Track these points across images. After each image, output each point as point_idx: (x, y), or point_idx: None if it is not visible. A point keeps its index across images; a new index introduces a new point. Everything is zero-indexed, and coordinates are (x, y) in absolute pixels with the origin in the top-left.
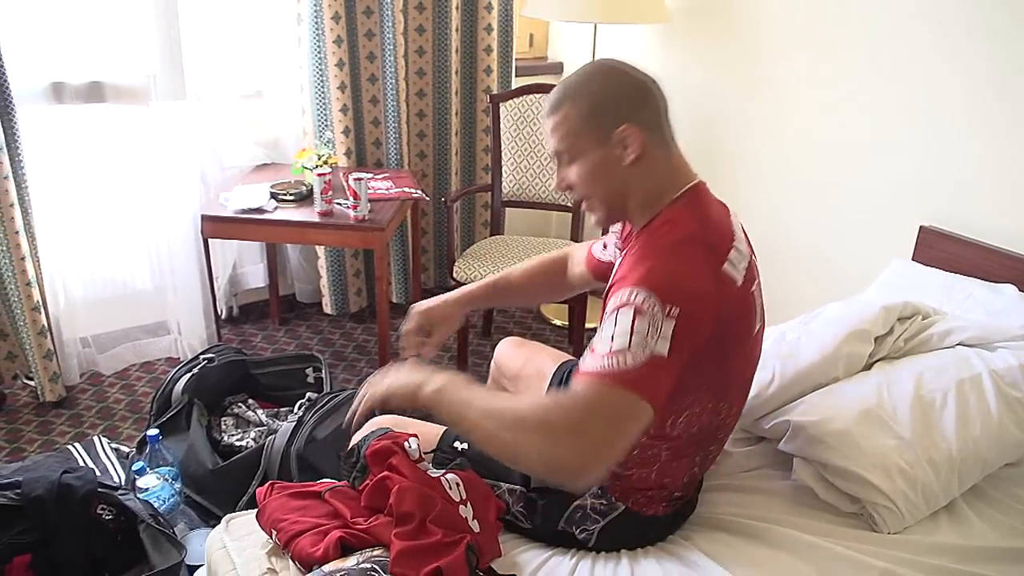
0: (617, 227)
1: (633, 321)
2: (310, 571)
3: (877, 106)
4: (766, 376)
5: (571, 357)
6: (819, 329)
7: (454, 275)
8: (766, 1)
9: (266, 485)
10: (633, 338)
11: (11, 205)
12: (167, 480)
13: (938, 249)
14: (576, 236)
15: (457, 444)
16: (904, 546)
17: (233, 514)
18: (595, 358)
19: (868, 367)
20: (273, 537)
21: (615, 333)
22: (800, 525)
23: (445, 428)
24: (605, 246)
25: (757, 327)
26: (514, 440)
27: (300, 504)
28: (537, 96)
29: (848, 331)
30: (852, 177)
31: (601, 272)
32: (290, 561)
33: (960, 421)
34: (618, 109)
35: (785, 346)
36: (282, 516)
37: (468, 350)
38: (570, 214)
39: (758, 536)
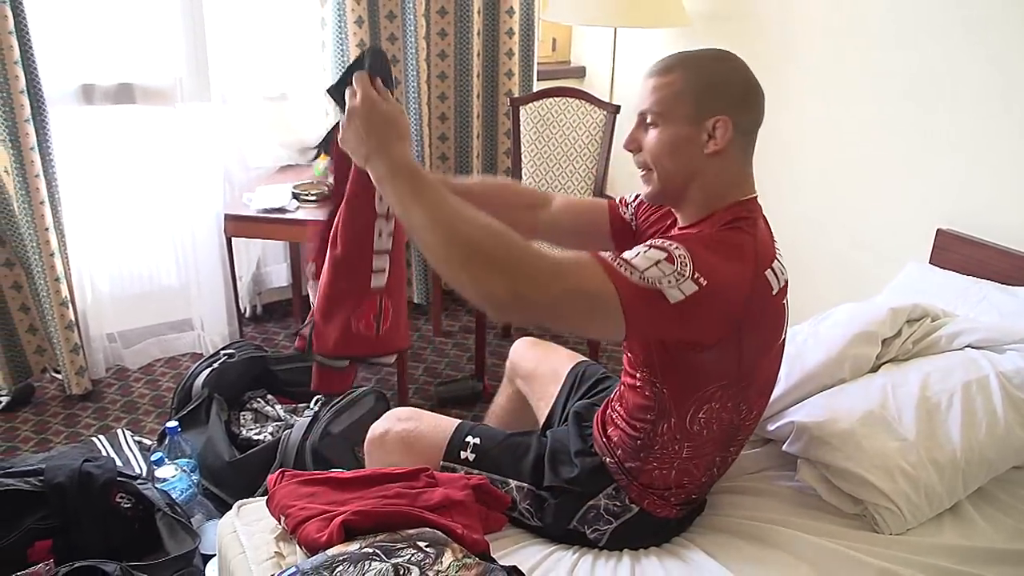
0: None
1: (660, 260)
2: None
3: (897, 110)
4: None
5: (585, 358)
6: (826, 331)
7: None
8: (786, 5)
9: (276, 473)
10: (650, 270)
11: (41, 203)
12: (185, 471)
13: (955, 252)
14: None
15: (469, 439)
16: (906, 546)
17: (244, 500)
18: (610, 253)
19: (875, 369)
20: (281, 522)
21: (640, 254)
22: (803, 526)
23: (456, 427)
24: (625, 203)
25: (782, 337)
26: (472, 243)
27: (309, 491)
28: (557, 99)
29: (855, 333)
30: (871, 180)
31: (618, 223)
32: (297, 546)
33: (965, 423)
34: (724, 98)
35: (792, 348)
36: (290, 502)
37: (486, 351)
38: None
39: (760, 536)
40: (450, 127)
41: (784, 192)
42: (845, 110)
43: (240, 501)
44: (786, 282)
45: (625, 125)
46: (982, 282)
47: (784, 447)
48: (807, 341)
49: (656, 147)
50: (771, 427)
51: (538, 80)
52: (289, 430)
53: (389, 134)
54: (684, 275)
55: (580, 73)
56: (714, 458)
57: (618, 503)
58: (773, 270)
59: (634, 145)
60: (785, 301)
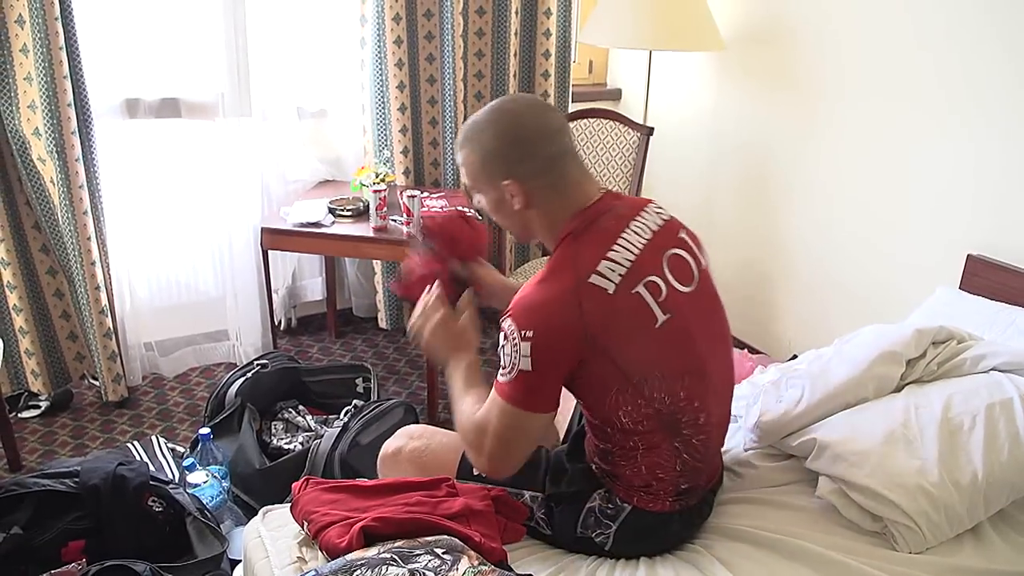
0: None
1: (503, 345)
2: None
3: (929, 134)
4: (795, 394)
5: None
6: (851, 350)
7: None
8: (819, 30)
9: (301, 480)
10: (506, 359)
11: (84, 213)
12: (216, 478)
13: (985, 277)
14: None
15: None
16: (924, 566)
17: (270, 507)
18: (497, 371)
19: (899, 389)
20: (304, 528)
21: (499, 352)
22: (821, 540)
23: None
24: None
25: (663, 318)
26: (463, 440)
27: (332, 498)
28: (592, 120)
29: (880, 352)
30: (902, 204)
31: None
32: (319, 551)
33: (987, 445)
34: (502, 162)
35: (817, 366)
36: (314, 508)
37: None
38: None
39: (776, 548)
40: None
41: (814, 214)
42: (877, 133)
43: (265, 507)
44: (627, 273)
45: (658, 147)
46: (1012, 308)
47: (806, 463)
48: (832, 360)
49: (488, 211)
50: (793, 443)
51: (574, 101)
52: (319, 440)
53: (454, 347)
54: (517, 342)
55: (616, 95)
56: (672, 445)
57: (611, 505)
58: (600, 273)
59: (478, 208)
60: (638, 290)
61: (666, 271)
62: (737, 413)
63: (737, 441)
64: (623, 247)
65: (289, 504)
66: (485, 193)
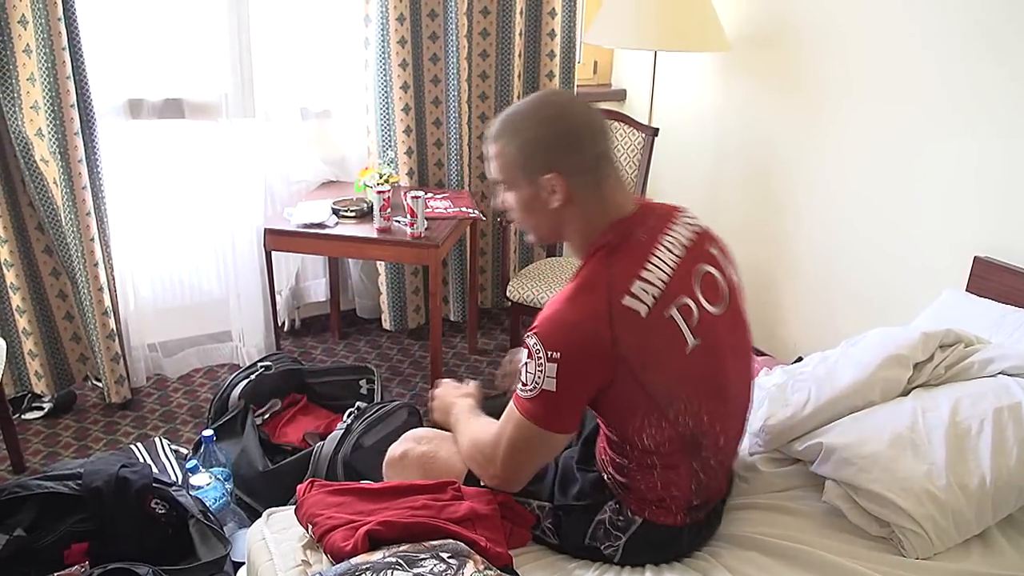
0: None
1: (527, 364)
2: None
3: (932, 135)
4: (801, 398)
5: None
6: (858, 353)
7: (507, 294)
8: (825, 32)
9: (306, 482)
10: (528, 377)
11: (88, 214)
12: (219, 480)
13: (992, 280)
14: None
15: None
16: (932, 571)
17: (274, 509)
18: (518, 385)
19: (906, 393)
20: (309, 531)
21: (521, 368)
22: (828, 547)
23: None
24: None
25: (693, 343)
26: (468, 463)
27: (337, 500)
28: None
29: (887, 356)
30: (908, 206)
31: None
32: (323, 554)
33: (996, 449)
34: (546, 155)
35: (823, 369)
36: (318, 511)
37: None
38: None
39: (784, 555)
40: None
41: (819, 215)
42: (882, 133)
43: (270, 509)
44: (661, 295)
45: (663, 147)
46: (1019, 311)
47: (812, 468)
48: (838, 362)
49: (516, 209)
50: (800, 447)
51: None
52: (322, 442)
53: (447, 412)
54: (543, 362)
55: (620, 96)
56: (689, 465)
57: (622, 517)
58: (633, 294)
59: (503, 207)
60: (671, 314)
61: (698, 292)
62: None
63: (742, 445)
64: (656, 266)
65: (293, 506)
66: (518, 188)
